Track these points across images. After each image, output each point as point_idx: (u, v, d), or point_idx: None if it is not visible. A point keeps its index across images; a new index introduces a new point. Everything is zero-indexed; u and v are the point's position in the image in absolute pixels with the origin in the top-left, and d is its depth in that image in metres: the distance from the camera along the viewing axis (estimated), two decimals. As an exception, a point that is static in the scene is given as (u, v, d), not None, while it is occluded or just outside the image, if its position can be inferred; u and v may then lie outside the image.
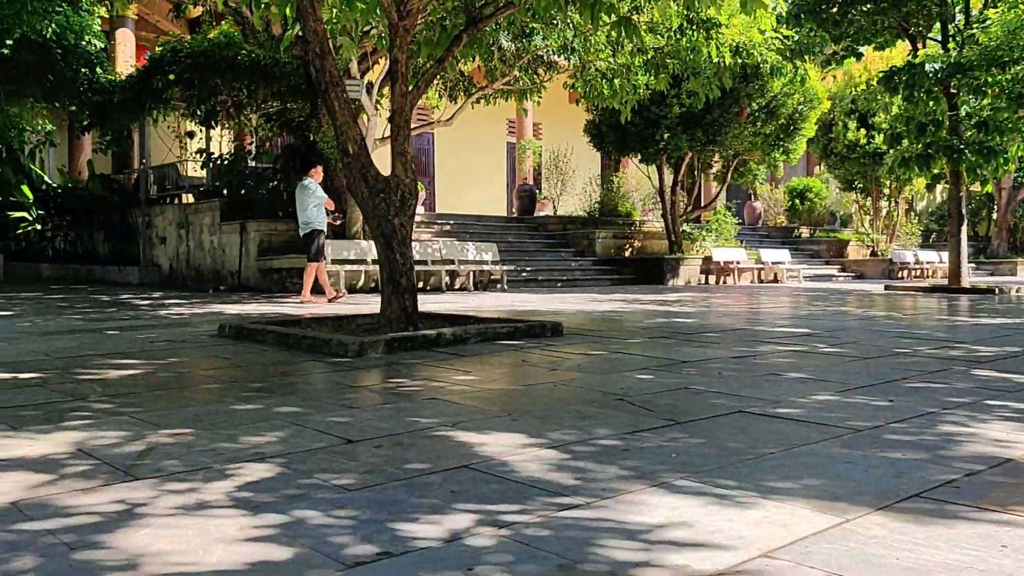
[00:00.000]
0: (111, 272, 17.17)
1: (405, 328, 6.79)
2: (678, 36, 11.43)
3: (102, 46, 16.20)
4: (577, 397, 4.35)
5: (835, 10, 16.11)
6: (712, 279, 20.31)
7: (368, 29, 11.94)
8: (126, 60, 18.86)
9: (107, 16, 18.65)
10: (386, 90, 13.64)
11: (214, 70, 13.88)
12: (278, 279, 14.22)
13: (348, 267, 13.65)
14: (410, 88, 7.20)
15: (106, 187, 18.01)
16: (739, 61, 12.54)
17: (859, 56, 18.20)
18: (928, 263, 25.01)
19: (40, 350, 6.21)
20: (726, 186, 22.04)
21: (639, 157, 19.69)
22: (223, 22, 15.93)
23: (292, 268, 14.01)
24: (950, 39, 15.59)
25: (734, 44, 12.19)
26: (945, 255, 20.75)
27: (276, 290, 14.07)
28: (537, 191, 23.34)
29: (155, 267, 16.69)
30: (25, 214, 17.87)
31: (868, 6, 16.00)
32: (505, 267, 15.89)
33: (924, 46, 16.34)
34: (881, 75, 15.04)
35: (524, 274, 16.88)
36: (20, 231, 18.33)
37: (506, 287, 15.56)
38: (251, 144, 17.85)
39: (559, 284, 17.11)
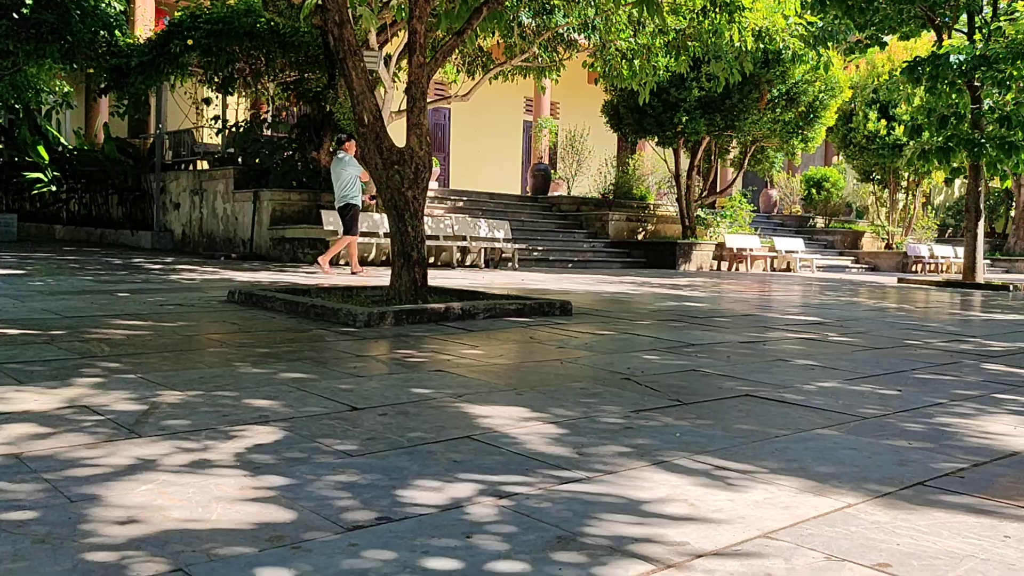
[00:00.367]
0: (124, 236, 17.22)
1: (414, 301, 6.78)
2: (700, 18, 11.29)
3: (121, 9, 16.17)
4: (583, 375, 4.34)
5: (861, -3, 15.89)
6: (724, 265, 20.22)
7: (388, 0, 11.86)
8: (145, 24, 18.79)
9: (127, -21, 18.62)
10: (404, 63, 13.57)
11: (232, 37, 13.83)
12: (290, 248, 14.23)
13: (360, 239, 13.64)
14: (428, 60, 7.15)
15: (121, 151, 18.02)
16: (761, 46, 12.38)
17: (883, 45, 17.99)
18: (943, 258, 24.82)
19: (51, 309, 6.24)
20: (742, 172, 21.86)
21: (656, 140, 19.55)
22: (243, -12, 15.84)
23: (304, 238, 14.01)
24: (976, 31, 15.37)
25: (757, 28, 12.05)
26: (960, 250, 20.58)
27: (288, 259, 14.09)
28: (552, 171, 23.24)
29: (168, 232, 16.73)
30: (40, 175, 17.89)
31: (894, -6, 15.78)
32: (517, 246, 15.86)
33: (949, 37, 16.11)
34: (904, 65, 14.85)
35: (536, 253, 16.84)
36: (35, 192, 18.37)
37: (517, 266, 15.53)
38: (267, 113, 17.80)
39: (570, 265, 17.07)
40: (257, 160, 15.38)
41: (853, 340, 6.32)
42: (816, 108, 18.81)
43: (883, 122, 23.45)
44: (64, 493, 2.21)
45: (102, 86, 16.20)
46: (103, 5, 15.44)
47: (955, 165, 15.91)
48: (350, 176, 11.44)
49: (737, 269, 20.28)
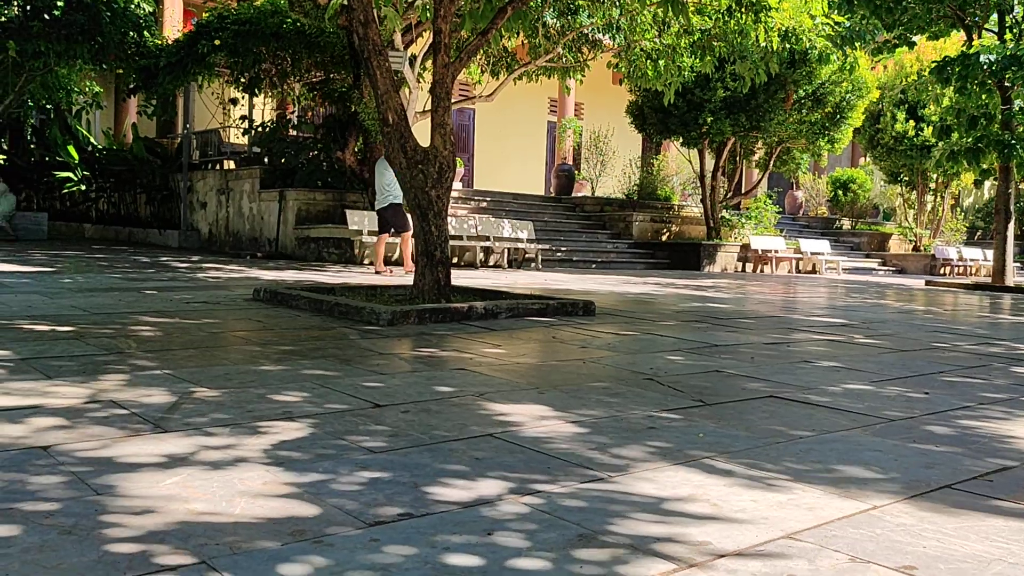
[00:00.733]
0: (151, 234, 17.40)
1: (437, 300, 6.80)
2: (726, 18, 11.22)
3: (150, 10, 16.34)
4: (606, 375, 4.33)
5: (889, -3, 15.73)
6: (749, 267, 20.09)
7: (412, 0, 11.90)
8: (173, 25, 18.98)
9: (156, -20, 18.81)
10: (429, 64, 13.59)
11: (259, 38, 13.93)
12: (315, 248, 14.32)
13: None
14: (452, 60, 7.17)
15: (150, 150, 18.20)
16: (787, 46, 12.30)
17: (912, 45, 17.79)
18: (972, 260, 24.50)
19: (80, 306, 6.31)
20: (768, 173, 21.71)
21: (681, 140, 19.47)
22: (270, -11, 15.95)
23: (329, 237, 14.09)
24: (1007, 30, 15.17)
25: (783, 28, 11.96)
26: (990, 253, 20.29)
27: (312, 259, 14.17)
28: (576, 171, 23.19)
29: (194, 231, 16.88)
30: (70, 174, 18.11)
31: (923, -6, 15.60)
32: (540, 246, 15.85)
33: (979, 37, 15.91)
34: (933, 65, 14.68)
35: (559, 254, 16.83)
36: (65, 191, 18.61)
37: (540, 266, 15.52)
38: (293, 113, 17.92)
39: (594, 265, 17.04)
40: (283, 160, 15.49)
41: (879, 342, 6.25)
42: (843, 109, 18.63)
43: (911, 123, 23.20)
44: (90, 485, 2.23)
45: (131, 86, 16.39)
46: (132, 6, 15.62)
47: (985, 166, 15.70)
48: (391, 176, 11.54)
49: (762, 271, 20.14)
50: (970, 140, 14.94)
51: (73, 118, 19.49)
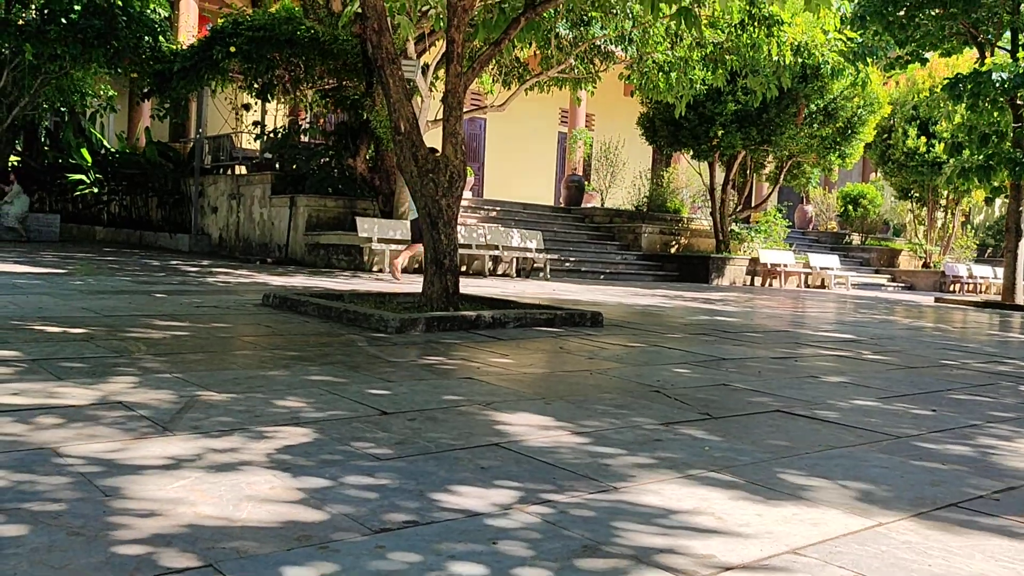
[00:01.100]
0: (162, 238, 17.49)
1: (445, 308, 6.81)
2: (739, 32, 11.25)
3: (166, 15, 16.48)
4: (613, 386, 4.33)
5: (902, 13, 15.74)
6: (758, 280, 20.06)
7: (426, 9, 11.95)
8: (188, 31, 19.13)
9: (172, -14, 18.97)
10: (441, 72, 13.66)
11: (273, 44, 14.02)
12: (324, 254, 14.37)
13: (393, 246, 13.73)
14: (464, 69, 7.20)
15: (162, 154, 18.32)
16: (800, 61, 12.33)
17: (924, 61, 17.78)
18: (982, 278, 24.41)
19: (90, 308, 6.35)
20: (778, 187, 21.71)
21: (691, 153, 19.49)
22: (285, -3, 16.07)
23: (339, 244, 14.13)
24: (1020, 48, 15.14)
25: (796, 43, 11.99)
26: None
27: (322, 265, 14.22)
28: (586, 182, 23.23)
29: (205, 236, 16.96)
30: (83, 177, 18.24)
31: (937, 11, 15.61)
32: (549, 256, 15.86)
33: (992, 55, 15.90)
34: (946, 82, 14.67)
35: (567, 264, 16.84)
36: (77, 193, 18.73)
37: (549, 276, 15.54)
38: (305, 120, 18.01)
39: (602, 276, 17.04)
40: (294, 166, 15.56)
41: (887, 359, 6.24)
42: (854, 124, 18.63)
43: (923, 139, 23.16)
44: (98, 487, 2.25)
45: (145, 91, 16.51)
46: (148, 11, 15.75)
47: (996, 184, 15.66)
48: None
49: (771, 285, 20.11)
50: (981, 157, 14.91)
51: (87, 121, 19.64)
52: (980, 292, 24.12)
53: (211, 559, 1.82)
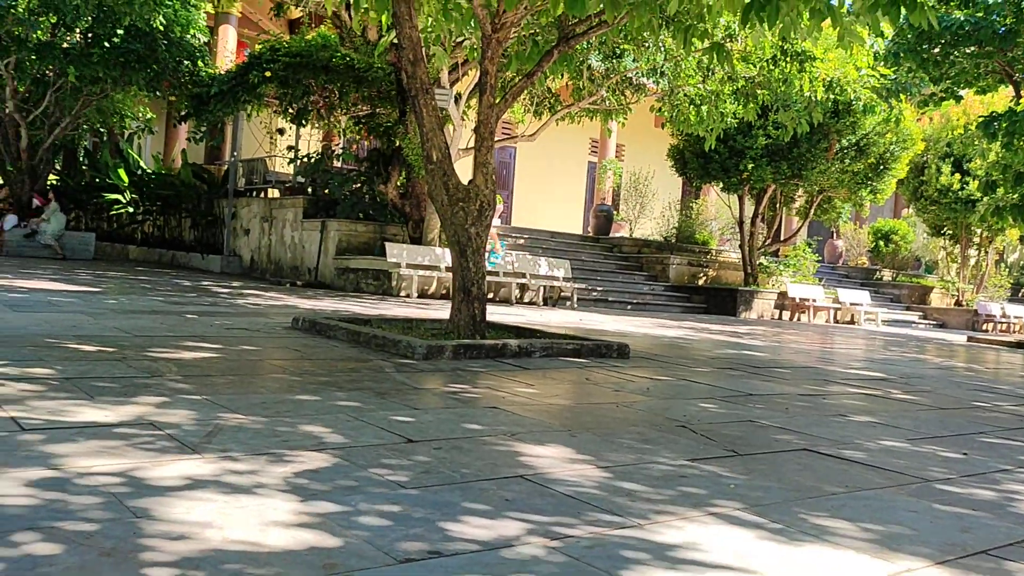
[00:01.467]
0: (194, 259, 17.72)
1: (472, 336, 6.84)
2: (771, 67, 11.29)
3: (205, 40, 16.81)
4: (639, 420, 4.32)
5: (937, 51, 15.67)
6: (786, 315, 19.90)
7: (461, 40, 12.11)
8: (226, 55, 19.49)
9: (212, 12, 19.37)
10: (473, 101, 13.80)
11: (309, 70, 14.25)
12: (353, 279, 14.48)
13: (421, 272, 13.82)
14: (497, 100, 7.28)
15: (197, 176, 18.61)
16: (832, 96, 12.31)
17: (959, 99, 17.66)
18: (1016, 317, 24.04)
19: (122, 327, 6.45)
20: (808, 221, 21.58)
21: (721, 186, 19.46)
22: (322, 24, 16.35)
23: (369, 269, 14.24)
24: (1056, 88, 15.01)
25: (828, 79, 11.98)
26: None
27: (351, 289, 14.32)
28: (615, 212, 23.26)
29: (237, 257, 17.17)
30: (119, 196, 18.55)
31: (972, 49, 15.52)
32: (576, 285, 15.87)
33: (1028, 93, 15.76)
34: (980, 120, 14.57)
35: (595, 294, 16.83)
36: (113, 212, 19.05)
37: (576, 305, 15.53)
38: (338, 145, 18.23)
39: (629, 307, 17.00)
40: (326, 191, 15.74)
41: (917, 399, 6.16)
42: (887, 160, 18.52)
43: (956, 176, 22.97)
44: (128, 507, 2.28)
45: (183, 113, 16.81)
46: (188, 37, 16.09)
47: (1030, 223, 15.47)
48: None
49: (799, 319, 19.94)
50: (1016, 196, 14.75)
51: (125, 142, 20.01)
52: (1014, 332, 23.75)
53: (238, 584, 1.84)
